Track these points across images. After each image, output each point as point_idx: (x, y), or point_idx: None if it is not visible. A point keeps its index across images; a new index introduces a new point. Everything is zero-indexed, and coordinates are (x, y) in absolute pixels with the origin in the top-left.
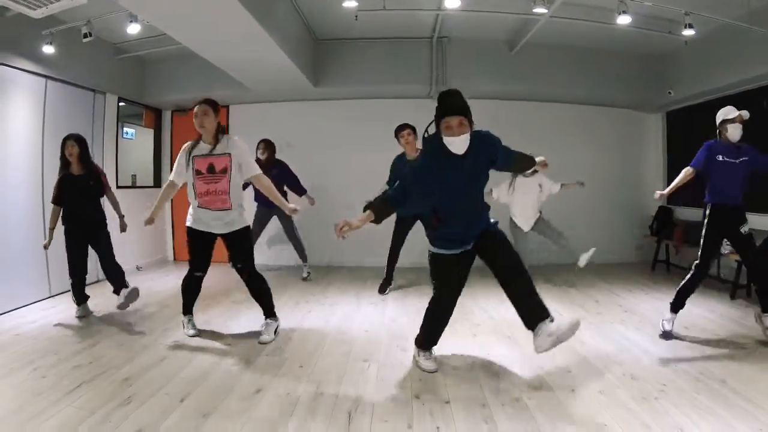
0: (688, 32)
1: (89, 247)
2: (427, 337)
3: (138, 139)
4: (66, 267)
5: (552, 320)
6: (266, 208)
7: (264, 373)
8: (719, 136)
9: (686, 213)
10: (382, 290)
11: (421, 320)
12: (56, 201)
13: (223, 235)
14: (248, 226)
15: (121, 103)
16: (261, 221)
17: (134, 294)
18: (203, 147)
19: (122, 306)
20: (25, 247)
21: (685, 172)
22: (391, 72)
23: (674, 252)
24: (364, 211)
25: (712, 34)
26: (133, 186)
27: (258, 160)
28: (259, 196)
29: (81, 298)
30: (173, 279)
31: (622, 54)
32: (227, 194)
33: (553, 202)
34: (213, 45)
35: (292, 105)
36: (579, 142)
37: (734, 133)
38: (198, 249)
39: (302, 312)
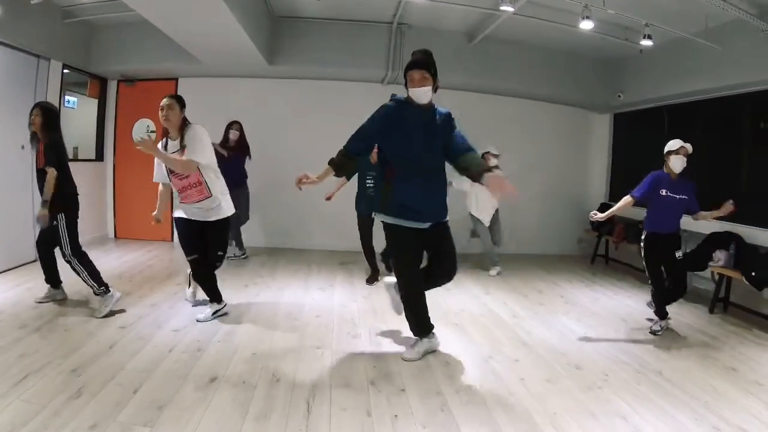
0: (646, 42)
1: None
2: (420, 322)
3: (80, 109)
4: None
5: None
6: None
7: (217, 361)
8: (664, 165)
9: (627, 211)
10: (370, 282)
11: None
12: None
13: (204, 223)
14: (228, 218)
15: (65, 71)
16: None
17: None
18: (171, 144)
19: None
20: None
21: (625, 201)
22: (347, 54)
23: (614, 247)
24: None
25: (666, 46)
26: (75, 159)
27: (228, 143)
28: None
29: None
30: (114, 258)
31: (576, 55)
32: (203, 184)
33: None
34: (166, 12)
35: (244, 81)
36: (528, 135)
37: (676, 164)
38: (184, 235)
39: (250, 295)
